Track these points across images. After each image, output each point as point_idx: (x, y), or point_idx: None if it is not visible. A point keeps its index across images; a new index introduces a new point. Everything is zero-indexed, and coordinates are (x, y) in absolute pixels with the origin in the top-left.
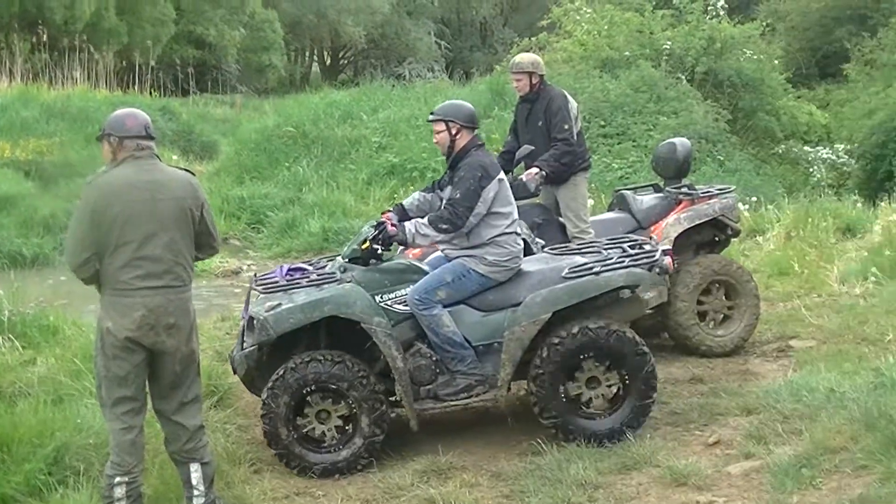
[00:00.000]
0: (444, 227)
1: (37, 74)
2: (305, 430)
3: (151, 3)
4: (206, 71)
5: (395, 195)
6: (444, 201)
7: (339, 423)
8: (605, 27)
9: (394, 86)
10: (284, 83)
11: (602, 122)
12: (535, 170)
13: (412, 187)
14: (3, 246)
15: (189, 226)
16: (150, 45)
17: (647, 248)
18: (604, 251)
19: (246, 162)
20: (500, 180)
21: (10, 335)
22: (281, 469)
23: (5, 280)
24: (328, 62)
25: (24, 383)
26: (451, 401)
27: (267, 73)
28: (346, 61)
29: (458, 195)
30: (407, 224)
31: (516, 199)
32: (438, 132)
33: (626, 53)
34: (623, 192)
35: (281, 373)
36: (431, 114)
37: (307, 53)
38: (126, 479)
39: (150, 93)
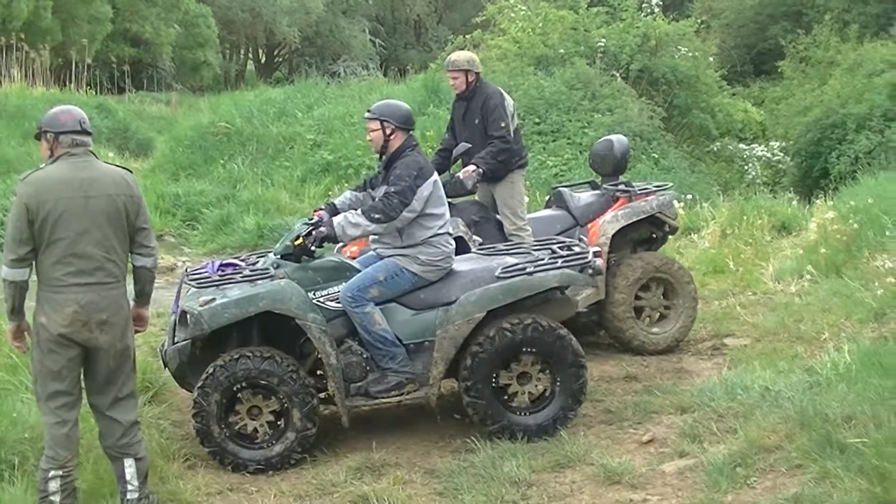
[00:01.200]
0: (378, 216)
1: None
2: (237, 426)
3: (87, 2)
4: (141, 69)
5: (330, 192)
6: (378, 196)
7: (271, 418)
8: (540, 24)
9: (329, 83)
10: (220, 81)
11: (537, 120)
12: (472, 167)
13: (347, 184)
14: None
15: (122, 222)
16: (85, 43)
17: (578, 249)
18: (533, 252)
19: (181, 159)
20: (435, 182)
21: None
22: (215, 465)
23: None
24: (263, 60)
25: None
26: (383, 398)
27: (202, 70)
28: (280, 59)
29: (394, 190)
30: (335, 218)
31: (453, 197)
32: (373, 130)
33: (561, 51)
34: (560, 189)
35: (211, 371)
36: (367, 112)
37: (242, 51)
38: (61, 472)
39: (87, 90)
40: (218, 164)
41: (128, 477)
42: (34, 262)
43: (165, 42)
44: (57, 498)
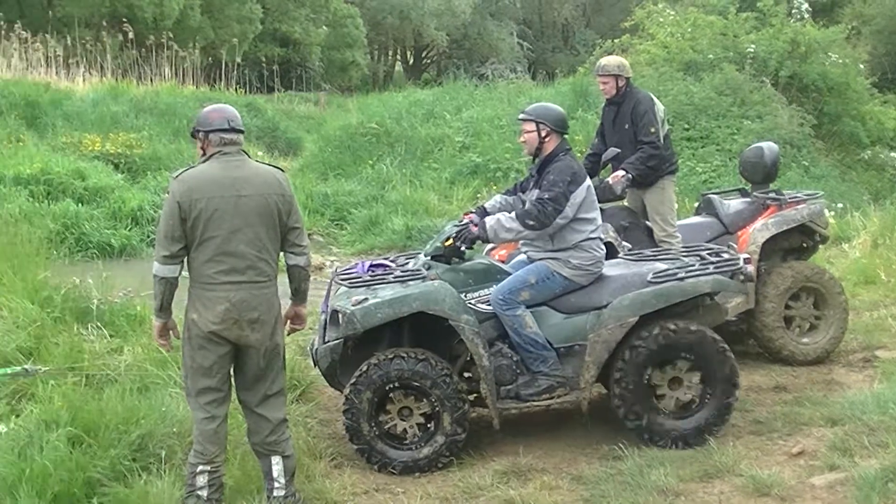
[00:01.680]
0: (531, 223)
1: (126, 71)
2: (387, 426)
3: (239, 2)
4: (290, 68)
5: (478, 195)
6: (534, 199)
7: (421, 420)
8: (689, 30)
9: (477, 86)
10: (368, 81)
11: (686, 126)
12: (621, 173)
13: (495, 187)
14: (92, 236)
15: (274, 221)
16: (235, 42)
17: (727, 255)
18: (682, 258)
19: (330, 159)
20: (588, 187)
21: (99, 323)
22: (361, 464)
23: (94, 270)
24: (411, 61)
25: (111, 371)
26: (533, 401)
27: (350, 70)
28: (428, 60)
29: (547, 196)
30: (488, 220)
31: (602, 202)
32: (527, 132)
33: (710, 56)
34: (710, 196)
35: (364, 369)
36: (522, 113)
37: (390, 52)
38: (208, 468)
39: (236, 89)
40: (367, 164)
41: (275, 474)
42: (185, 260)
43: (314, 42)
44: (204, 493)
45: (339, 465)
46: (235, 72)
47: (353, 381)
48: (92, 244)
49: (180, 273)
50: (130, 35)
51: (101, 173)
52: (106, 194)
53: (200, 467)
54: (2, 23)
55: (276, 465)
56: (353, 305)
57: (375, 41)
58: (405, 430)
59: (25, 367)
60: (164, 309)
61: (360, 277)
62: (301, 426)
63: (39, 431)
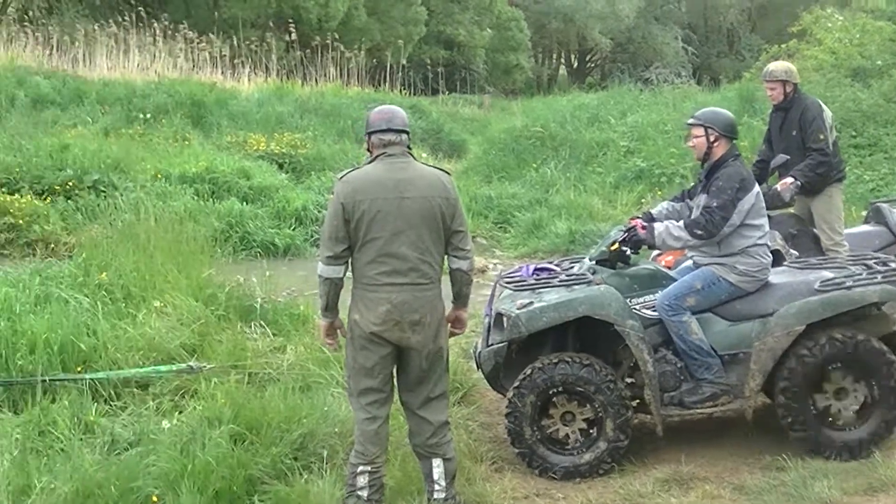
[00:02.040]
0: (699, 232)
1: (291, 71)
2: (549, 430)
3: (405, 4)
4: (454, 71)
5: (643, 200)
6: (701, 208)
7: (584, 426)
8: (857, 35)
9: (641, 90)
10: (531, 84)
11: (853, 133)
12: (790, 180)
13: (660, 193)
14: (256, 235)
15: (437, 224)
16: (401, 44)
17: (894, 264)
18: (850, 267)
19: (494, 161)
20: (757, 193)
21: (262, 322)
22: (522, 469)
23: (258, 269)
24: (575, 65)
25: (273, 369)
26: (697, 408)
27: (514, 73)
28: (592, 64)
29: (715, 204)
30: (657, 226)
31: (770, 209)
32: (696, 137)
33: (879, 62)
34: (879, 204)
35: (529, 372)
36: (692, 118)
37: (554, 56)
38: (369, 468)
39: (401, 91)
40: (531, 167)
41: (435, 476)
42: (349, 261)
43: (478, 45)
44: (364, 493)
45: (499, 469)
46: (400, 73)
47: (516, 384)
48: (256, 243)
49: (345, 273)
50: (295, 36)
51: (265, 173)
52: (270, 194)
53: (361, 467)
54: (169, 23)
55: (437, 467)
56: (517, 309)
57: (539, 44)
58: (567, 434)
59: (190, 363)
60: (330, 309)
61: (524, 281)
62: (462, 429)
63: (202, 428)
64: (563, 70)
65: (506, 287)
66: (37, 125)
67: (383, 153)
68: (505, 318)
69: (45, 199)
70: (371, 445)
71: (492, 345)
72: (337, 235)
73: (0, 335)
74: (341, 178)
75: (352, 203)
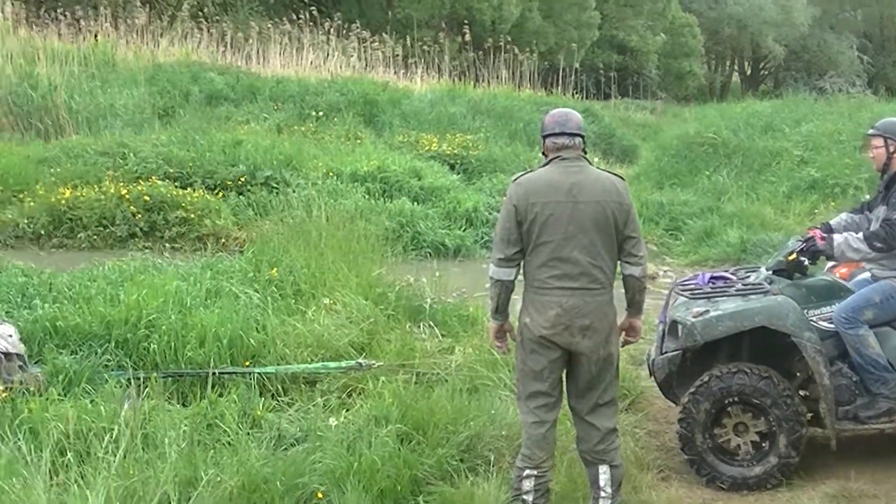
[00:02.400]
0: (879, 245)
1: (463, 72)
2: (721, 440)
3: (579, 7)
4: (626, 76)
5: (816, 210)
6: (880, 220)
7: (756, 438)
8: None
9: (816, 99)
10: (703, 91)
11: None
12: None
13: (833, 203)
14: (426, 235)
15: (610, 229)
16: (574, 48)
17: None
18: None
19: (666, 168)
20: None
21: (431, 322)
22: (689, 478)
23: (428, 269)
24: (748, 72)
25: (441, 370)
26: (871, 424)
27: (686, 79)
28: (766, 72)
29: (895, 216)
30: (836, 237)
31: None
32: (876, 147)
33: None
34: None
35: (706, 379)
36: (871, 129)
37: (727, 62)
38: (535, 472)
39: (573, 95)
40: (703, 174)
41: (601, 483)
42: (521, 263)
43: (651, 50)
44: (530, 497)
45: (666, 478)
46: (573, 77)
47: (692, 390)
48: (426, 243)
49: (516, 276)
50: (468, 37)
51: (436, 173)
52: (441, 194)
53: (527, 471)
54: (342, 22)
55: (604, 473)
56: (693, 317)
57: (713, 51)
58: (738, 445)
59: (359, 360)
60: (501, 311)
61: (700, 289)
62: (629, 436)
63: (369, 427)
64: (735, 77)
65: (681, 294)
66: (210, 121)
67: (557, 156)
68: (680, 326)
69: (217, 194)
70: (538, 450)
71: (666, 352)
72: (509, 238)
73: (171, 328)
74: (515, 180)
75: (525, 205)
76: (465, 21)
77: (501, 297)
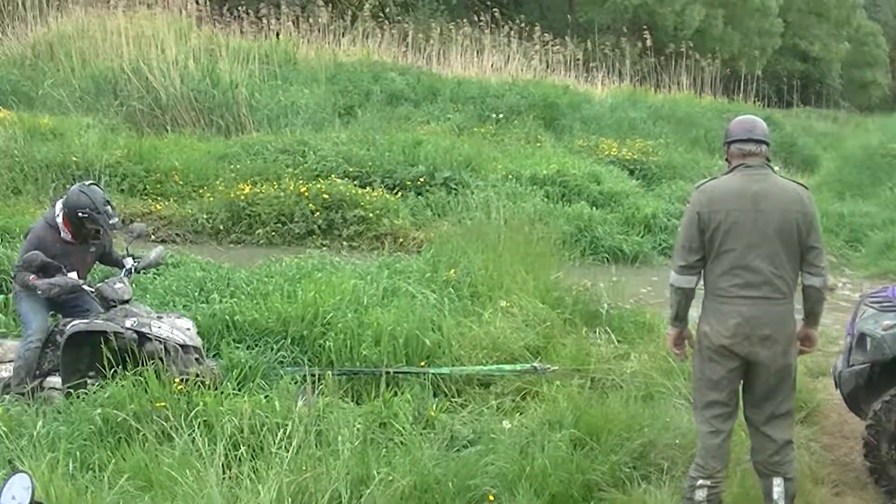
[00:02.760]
0: None
1: (643, 77)
2: None
3: (762, 14)
4: (809, 84)
5: None
6: None
7: None
8: None
9: None
10: (887, 101)
11: None
12: None
13: None
14: (604, 240)
15: (793, 239)
16: (756, 55)
17: None
18: None
19: (848, 178)
20: None
21: (607, 328)
22: (863, 494)
23: (605, 274)
24: None
25: (616, 376)
26: None
27: (870, 89)
28: None
29: None
30: None
31: None
32: None
33: None
34: None
35: None
36: None
37: None
38: (708, 482)
39: (754, 102)
40: (885, 186)
41: (775, 496)
42: (702, 271)
43: (834, 59)
44: None
45: (839, 493)
46: (754, 85)
47: (886, 398)
48: (603, 248)
49: (697, 284)
50: (649, 42)
51: (616, 178)
52: (620, 199)
53: (700, 481)
54: (524, 24)
55: (777, 486)
56: (882, 330)
57: None
58: None
59: (534, 364)
60: (680, 318)
61: (890, 301)
62: (804, 449)
63: (542, 431)
64: None
65: (870, 307)
66: (390, 120)
67: (742, 164)
68: (868, 339)
69: (395, 193)
70: (712, 460)
71: (853, 365)
72: (691, 245)
73: (347, 326)
74: (698, 187)
75: (708, 213)
76: (647, 26)
77: (682, 305)
